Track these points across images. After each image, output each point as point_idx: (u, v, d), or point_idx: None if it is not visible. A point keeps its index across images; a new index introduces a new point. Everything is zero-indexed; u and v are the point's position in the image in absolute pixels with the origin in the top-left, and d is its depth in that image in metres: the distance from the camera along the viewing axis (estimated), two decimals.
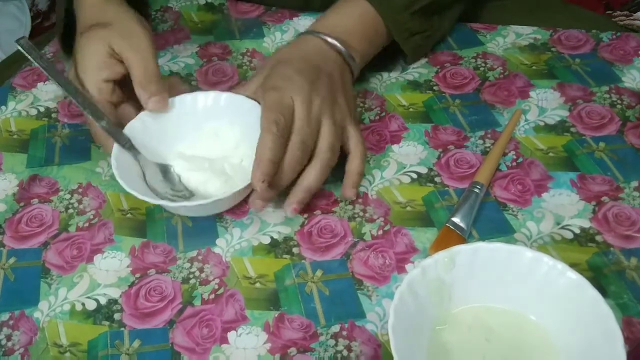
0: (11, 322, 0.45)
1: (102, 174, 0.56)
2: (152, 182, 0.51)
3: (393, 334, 0.37)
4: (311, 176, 0.49)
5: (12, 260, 0.49)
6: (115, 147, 0.50)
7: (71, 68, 0.55)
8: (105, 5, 0.55)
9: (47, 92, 0.65)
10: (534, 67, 0.65)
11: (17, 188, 0.55)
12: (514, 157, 0.55)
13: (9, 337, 0.44)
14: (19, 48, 0.49)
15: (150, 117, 0.53)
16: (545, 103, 0.61)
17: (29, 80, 0.67)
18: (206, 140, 0.54)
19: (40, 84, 0.66)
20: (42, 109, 0.63)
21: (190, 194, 0.51)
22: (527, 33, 0.70)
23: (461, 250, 0.41)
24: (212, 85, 0.66)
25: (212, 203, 0.47)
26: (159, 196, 0.50)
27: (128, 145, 0.50)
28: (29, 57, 0.49)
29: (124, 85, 0.53)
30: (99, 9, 0.55)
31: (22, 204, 0.54)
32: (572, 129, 0.58)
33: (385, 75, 0.66)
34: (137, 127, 0.52)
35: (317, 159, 0.50)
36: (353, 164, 0.52)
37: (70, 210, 0.53)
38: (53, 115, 0.63)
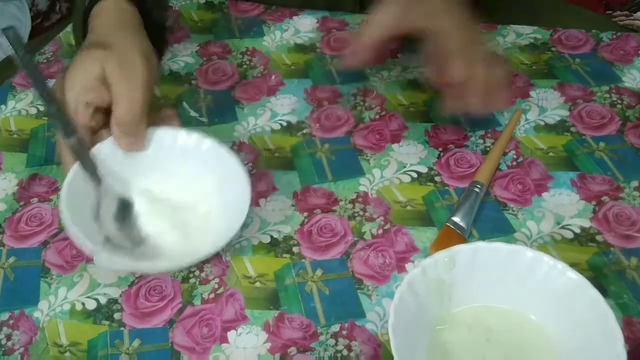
0: (11, 322, 0.45)
1: None
2: (104, 216, 0.46)
3: (393, 333, 0.37)
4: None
5: (11, 259, 0.49)
6: (73, 172, 0.45)
7: (60, 78, 0.50)
8: (117, 27, 0.50)
9: None
10: (534, 67, 0.65)
11: (17, 187, 0.55)
12: (514, 156, 0.55)
13: (8, 337, 0.44)
14: (5, 38, 0.44)
15: (111, 146, 0.48)
16: (546, 103, 0.61)
17: (29, 80, 0.67)
18: (177, 182, 0.49)
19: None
20: (42, 108, 0.63)
21: (140, 240, 0.46)
22: (527, 33, 0.70)
23: (461, 250, 0.41)
24: (212, 84, 0.66)
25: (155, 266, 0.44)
26: (105, 234, 0.45)
27: (92, 170, 0.45)
28: (12, 48, 0.43)
29: (109, 111, 0.47)
30: (109, 29, 0.50)
31: (22, 203, 0.54)
32: (572, 129, 0.58)
33: (385, 74, 0.66)
34: (106, 151, 0.47)
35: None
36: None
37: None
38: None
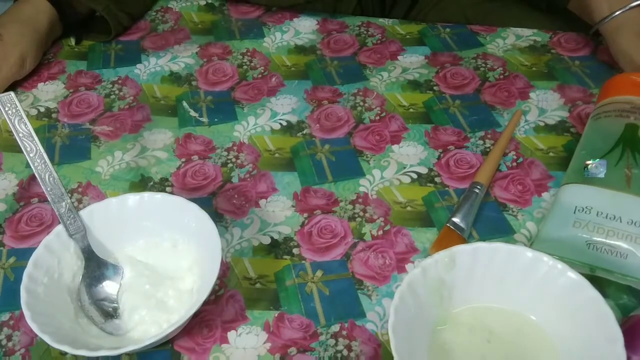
0: (11, 322, 0.45)
1: (102, 174, 0.56)
2: (81, 286, 0.45)
3: (393, 333, 0.37)
4: None
5: (12, 259, 0.49)
6: (50, 238, 0.44)
7: None
8: (14, 20, 0.65)
9: (48, 92, 0.65)
10: (534, 69, 0.65)
11: (17, 188, 0.55)
12: (514, 157, 0.55)
13: (9, 338, 0.44)
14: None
15: (102, 211, 0.46)
16: (545, 104, 0.61)
17: (29, 81, 0.67)
18: (161, 249, 0.47)
19: (40, 84, 0.66)
20: (42, 109, 0.63)
21: (114, 313, 0.44)
22: (527, 35, 0.70)
23: (461, 250, 0.41)
24: (213, 84, 0.66)
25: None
26: (79, 307, 0.44)
27: (79, 235, 0.45)
28: (4, 115, 0.44)
29: None
30: (6, 20, 0.65)
31: (22, 203, 0.54)
32: (572, 130, 0.58)
33: (385, 75, 0.66)
34: (84, 218, 0.46)
35: None
36: None
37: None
38: (53, 115, 0.63)
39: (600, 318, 0.37)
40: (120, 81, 0.67)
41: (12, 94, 0.45)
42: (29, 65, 0.65)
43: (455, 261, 0.41)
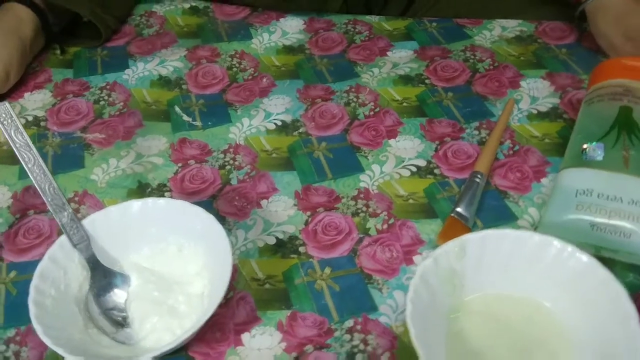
0: (18, 338, 0.44)
1: (98, 182, 0.55)
2: (88, 296, 0.44)
3: (412, 323, 0.37)
4: None
5: (12, 274, 0.48)
6: (54, 249, 0.43)
7: None
8: None
9: (35, 102, 0.64)
10: (522, 58, 0.66)
11: (12, 200, 0.54)
12: (510, 145, 0.56)
13: (17, 354, 0.43)
14: None
15: (104, 219, 0.46)
16: (536, 92, 0.62)
17: (15, 91, 0.65)
18: (167, 255, 0.46)
19: (27, 94, 0.65)
20: (30, 118, 0.62)
21: (124, 322, 0.44)
22: (512, 26, 0.71)
23: (470, 239, 0.41)
24: (203, 87, 0.66)
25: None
26: (87, 315, 0.43)
27: (83, 245, 0.44)
28: (1, 126, 0.43)
29: None
30: None
31: (17, 216, 0.52)
32: (565, 116, 0.59)
33: (376, 70, 0.66)
34: (87, 227, 0.45)
35: None
36: None
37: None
38: (42, 123, 0.61)
39: (613, 297, 0.38)
40: (108, 87, 0.66)
41: (7, 104, 0.44)
42: (13, 78, 0.63)
43: (465, 250, 0.41)
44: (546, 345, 0.40)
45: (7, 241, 0.50)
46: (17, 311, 0.46)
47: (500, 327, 0.41)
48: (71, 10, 0.68)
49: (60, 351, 0.38)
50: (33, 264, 0.48)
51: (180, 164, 0.57)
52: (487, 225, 0.50)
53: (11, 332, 0.44)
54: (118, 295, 0.45)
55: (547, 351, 0.39)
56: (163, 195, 0.54)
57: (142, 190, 0.55)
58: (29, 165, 0.44)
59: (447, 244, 0.41)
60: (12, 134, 0.44)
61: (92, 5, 0.68)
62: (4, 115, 0.44)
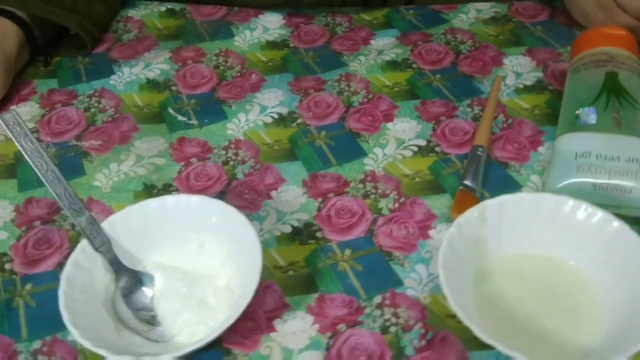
0: (45, 349, 0.43)
1: (102, 187, 0.54)
2: (116, 298, 0.43)
3: (448, 289, 0.38)
4: None
5: (28, 286, 0.47)
6: (76, 254, 0.43)
7: None
8: None
9: (23, 114, 0.62)
10: (500, 37, 0.69)
11: (15, 213, 0.52)
12: (504, 119, 0.58)
13: None
14: (0, 123, 0.43)
15: (123, 220, 0.46)
16: (520, 68, 0.64)
17: (1, 106, 0.63)
18: (188, 252, 0.46)
19: (12, 107, 0.63)
20: None
21: (155, 322, 0.43)
22: (486, 8, 0.74)
23: (489, 204, 0.43)
24: (193, 88, 0.65)
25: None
26: (117, 318, 0.43)
27: (104, 248, 0.44)
28: (10, 134, 0.43)
29: None
30: None
31: (23, 228, 0.51)
32: (550, 87, 0.62)
33: (363, 59, 0.68)
34: (106, 230, 0.45)
35: None
36: None
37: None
38: (34, 134, 0.60)
39: (631, 247, 0.40)
40: (97, 94, 0.65)
41: (15, 111, 0.43)
42: None
43: (485, 215, 0.43)
44: (571, 295, 0.42)
45: (17, 254, 0.49)
46: (39, 322, 0.45)
47: (526, 282, 0.43)
48: (57, 23, 0.67)
49: (102, 352, 0.37)
50: (48, 275, 0.48)
51: (182, 163, 0.57)
52: (494, 195, 0.51)
53: (37, 344, 0.43)
54: (144, 295, 0.45)
55: (572, 300, 0.41)
56: None
57: (148, 191, 0.54)
58: (42, 172, 0.43)
59: (468, 212, 0.43)
60: (22, 142, 0.43)
61: (80, 18, 0.67)
62: (12, 122, 0.43)
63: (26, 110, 0.63)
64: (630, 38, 0.56)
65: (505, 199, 0.44)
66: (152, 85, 0.66)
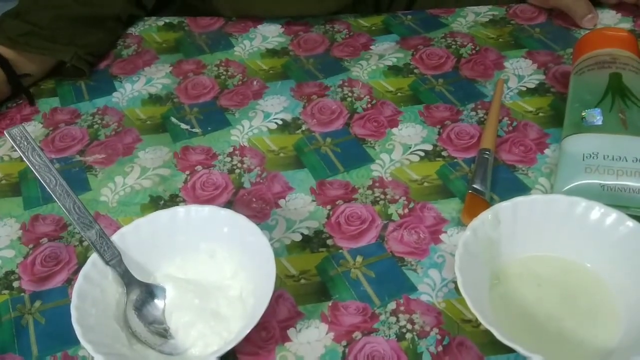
0: None
1: (109, 202, 0.54)
2: (128, 312, 0.43)
3: (465, 292, 0.38)
4: None
5: (37, 303, 0.46)
6: (87, 268, 0.43)
7: None
8: None
9: None
10: (500, 40, 0.69)
11: (21, 231, 0.52)
12: (509, 122, 0.59)
13: None
14: (8, 138, 0.42)
15: (134, 232, 0.45)
16: (521, 70, 0.64)
17: (2, 126, 0.63)
18: (199, 262, 0.46)
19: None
20: None
21: (168, 334, 0.43)
22: (484, 11, 0.74)
23: (503, 207, 0.43)
24: (195, 98, 0.65)
25: None
26: (130, 331, 0.42)
27: (115, 261, 0.43)
28: (17, 149, 0.42)
29: None
30: None
31: (31, 245, 0.51)
32: (552, 89, 0.62)
33: (364, 63, 0.68)
34: (116, 243, 0.44)
35: None
36: None
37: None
38: None
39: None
40: (100, 112, 0.64)
41: (22, 126, 0.43)
42: None
43: (498, 218, 0.43)
44: (587, 296, 0.42)
45: (25, 272, 0.48)
46: (50, 339, 0.44)
47: (542, 284, 0.43)
48: (54, 56, 0.67)
49: None
50: (57, 291, 0.47)
51: (187, 172, 0.56)
52: (503, 198, 0.51)
53: None
54: (156, 308, 0.44)
55: (588, 301, 0.41)
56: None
57: (155, 204, 0.54)
58: (51, 186, 0.43)
59: (482, 215, 0.43)
60: (30, 156, 0.43)
61: (74, 49, 0.67)
62: (19, 137, 0.42)
63: (30, 130, 0.62)
64: (631, 39, 0.57)
65: (519, 201, 0.44)
66: (154, 99, 0.66)
